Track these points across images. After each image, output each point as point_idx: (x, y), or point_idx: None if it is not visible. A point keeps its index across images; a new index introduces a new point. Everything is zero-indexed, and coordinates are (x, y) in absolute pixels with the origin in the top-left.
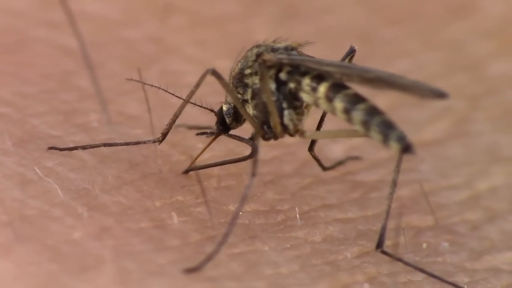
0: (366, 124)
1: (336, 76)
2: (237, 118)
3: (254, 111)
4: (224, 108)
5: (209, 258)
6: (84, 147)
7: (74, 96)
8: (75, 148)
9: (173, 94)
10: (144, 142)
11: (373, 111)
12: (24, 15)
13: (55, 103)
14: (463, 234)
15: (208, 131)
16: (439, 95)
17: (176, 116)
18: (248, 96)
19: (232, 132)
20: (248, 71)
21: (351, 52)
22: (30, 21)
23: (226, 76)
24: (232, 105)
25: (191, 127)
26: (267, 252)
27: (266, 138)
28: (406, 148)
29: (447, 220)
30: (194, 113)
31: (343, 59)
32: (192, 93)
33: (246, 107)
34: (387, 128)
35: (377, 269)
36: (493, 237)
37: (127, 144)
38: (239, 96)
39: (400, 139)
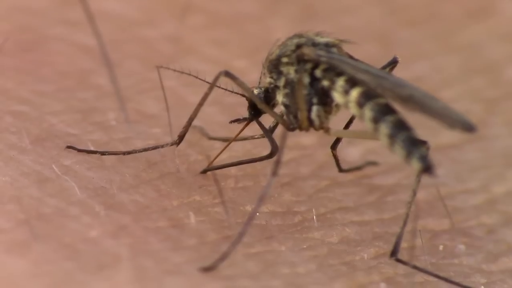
0: (391, 137)
1: (369, 85)
2: (268, 101)
3: (284, 99)
4: (255, 92)
5: (224, 256)
6: (102, 153)
7: (92, 94)
8: (94, 152)
9: (203, 80)
10: (162, 146)
11: (401, 125)
12: (42, 14)
13: (73, 102)
14: (480, 237)
15: (241, 117)
16: (469, 128)
17: (192, 119)
18: (280, 83)
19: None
20: (285, 59)
21: (393, 63)
22: (48, 20)
23: (244, 75)
24: (263, 89)
25: (204, 134)
26: (284, 252)
27: (290, 129)
28: (427, 168)
29: (463, 223)
30: (212, 112)
31: (384, 67)
32: (206, 95)
33: (276, 93)
34: (412, 145)
35: (394, 270)
36: (510, 240)
37: (145, 150)
38: (271, 80)
39: (423, 159)
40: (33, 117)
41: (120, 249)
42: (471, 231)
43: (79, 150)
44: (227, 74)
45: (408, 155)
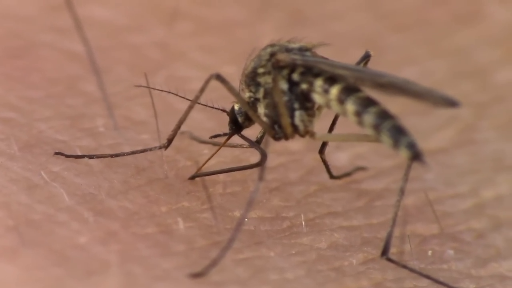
0: (376, 127)
1: (349, 79)
2: (249, 116)
3: (266, 110)
4: (236, 107)
5: (214, 263)
6: (90, 157)
7: (81, 101)
8: (82, 156)
9: (183, 97)
10: (150, 149)
11: (384, 115)
12: (30, 20)
13: (62, 108)
14: (469, 242)
15: (221, 133)
16: (452, 103)
17: (181, 122)
18: (260, 95)
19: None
20: (261, 70)
21: (366, 57)
22: (36, 26)
23: (233, 81)
24: None
25: (194, 138)
26: (272, 258)
27: (276, 138)
28: (416, 156)
29: (452, 228)
30: (200, 118)
31: (358, 63)
32: (196, 97)
33: (257, 105)
34: (398, 133)
35: (383, 275)
36: (499, 245)
37: (133, 153)
38: (251, 94)
39: (411, 147)
40: (21, 123)
41: (109, 256)
42: (460, 236)
43: (67, 156)
44: (218, 77)
45: (396, 143)
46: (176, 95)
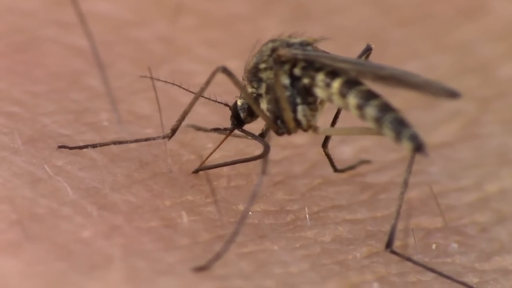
0: (378, 120)
1: (350, 72)
2: (252, 112)
3: (268, 106)
4: (239, 102)
5: (218, 256)
6: (94, 146)
7: (84, 95)
8: (85, 146)
9: (187, 90)
10: (154, 139)
11: (386, 108)
12: (34, 15)
13: (65, 102)
14: (472, 235)
15: (221, 127)
16: (452, 94)
17: (185, 113)
18: (262, 90)
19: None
20: (263, 65)
21: (368, 50)
22: (40, 21)
23: (237, 75)
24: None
25: (199, 129)
26: (276, 251)
27: (279, 133)
28: (418, 147)
29: (456, 222)
30: (204, 112)
31: (359, 56)
32: (202, 90)
33: (260, 101)
34: (400, 126)
35: (386, 269)
36: (503, 238)
37: (137, 141)
38: (253, 90)
39: (413, 138)
40: (25, 118)
41: (112, 250)
42: (464, 230)
43: (71, 148)
44: (224, 70)
45: (398, 135)
46: (180, 87)
